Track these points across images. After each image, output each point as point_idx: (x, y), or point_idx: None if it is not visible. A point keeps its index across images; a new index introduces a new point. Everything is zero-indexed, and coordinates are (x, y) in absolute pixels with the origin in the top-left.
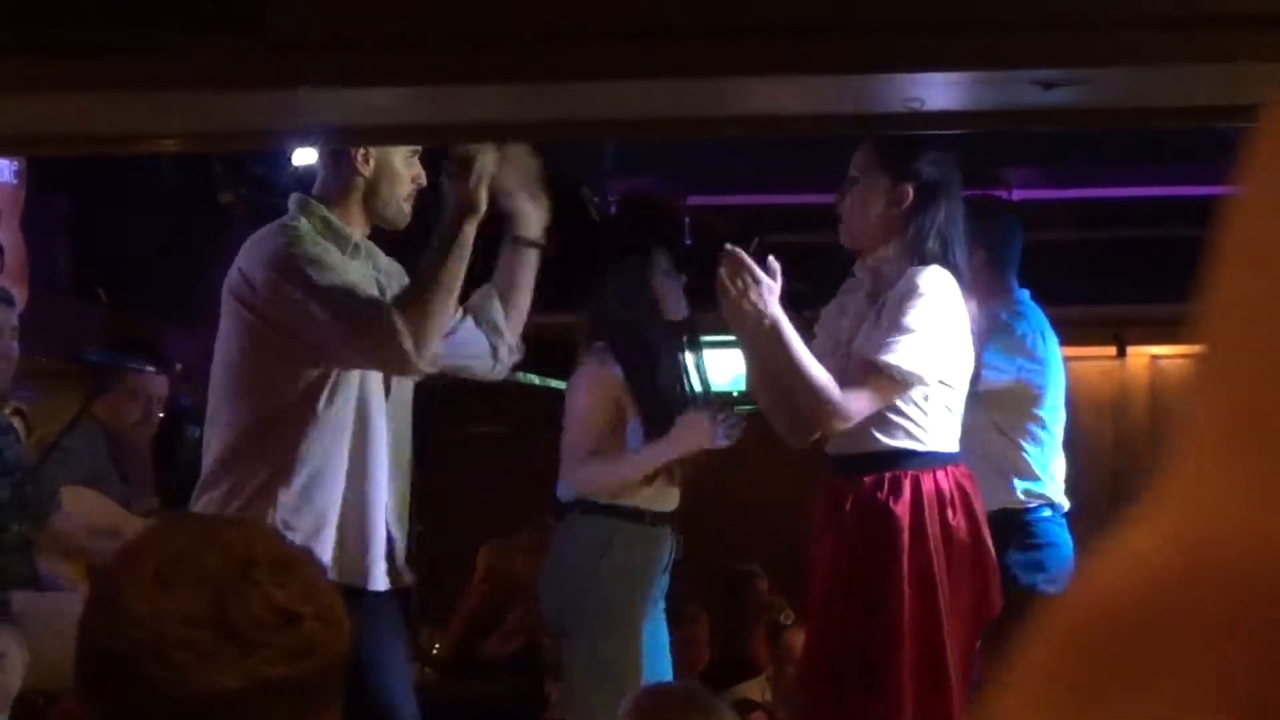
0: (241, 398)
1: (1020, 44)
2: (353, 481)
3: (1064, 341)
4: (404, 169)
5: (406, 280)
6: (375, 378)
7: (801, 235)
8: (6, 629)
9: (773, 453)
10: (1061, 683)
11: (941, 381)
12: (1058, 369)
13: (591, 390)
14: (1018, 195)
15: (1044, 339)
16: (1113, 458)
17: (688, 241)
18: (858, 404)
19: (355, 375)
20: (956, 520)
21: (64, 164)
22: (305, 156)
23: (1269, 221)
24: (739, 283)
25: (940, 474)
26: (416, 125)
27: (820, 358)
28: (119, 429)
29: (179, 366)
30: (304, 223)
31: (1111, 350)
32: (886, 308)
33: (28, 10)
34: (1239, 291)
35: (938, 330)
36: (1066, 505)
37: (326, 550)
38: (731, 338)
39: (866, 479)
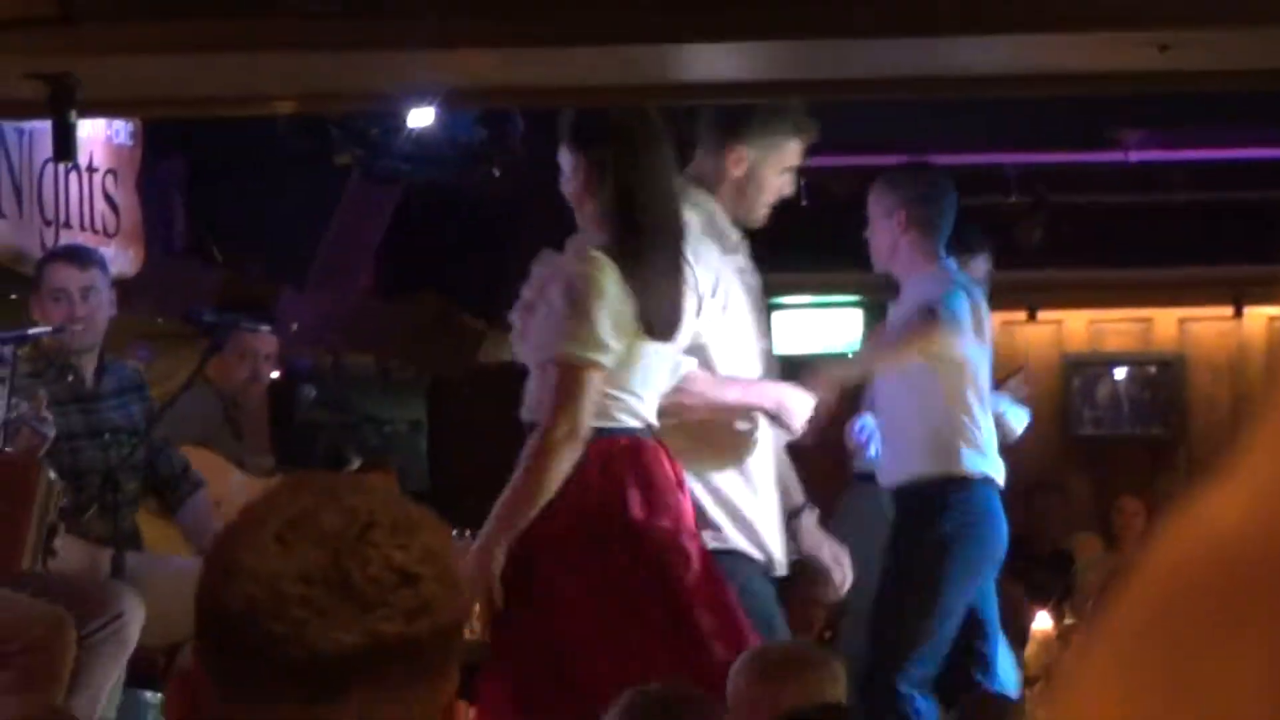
0: None
1: (1137, 5)
2: None
3: (1180, 302)
4: (774, 178)
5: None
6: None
7: None
8: (123, 588)
9: None
10: (1151, 641)
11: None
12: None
13: None
14: (1134, 158)
15: (985, 311)
16: (1230, 419)
17: (804, 203)
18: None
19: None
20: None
21: (180, 126)
22: (420, 119)
23: None
24: None
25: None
26: (525, 87)
27: None
28: (233, 388)
29: (294, 326)
30: (691, 217)
31: (1228, 311)
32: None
33: None
34: None
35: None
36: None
37: None
38: (850, 298)
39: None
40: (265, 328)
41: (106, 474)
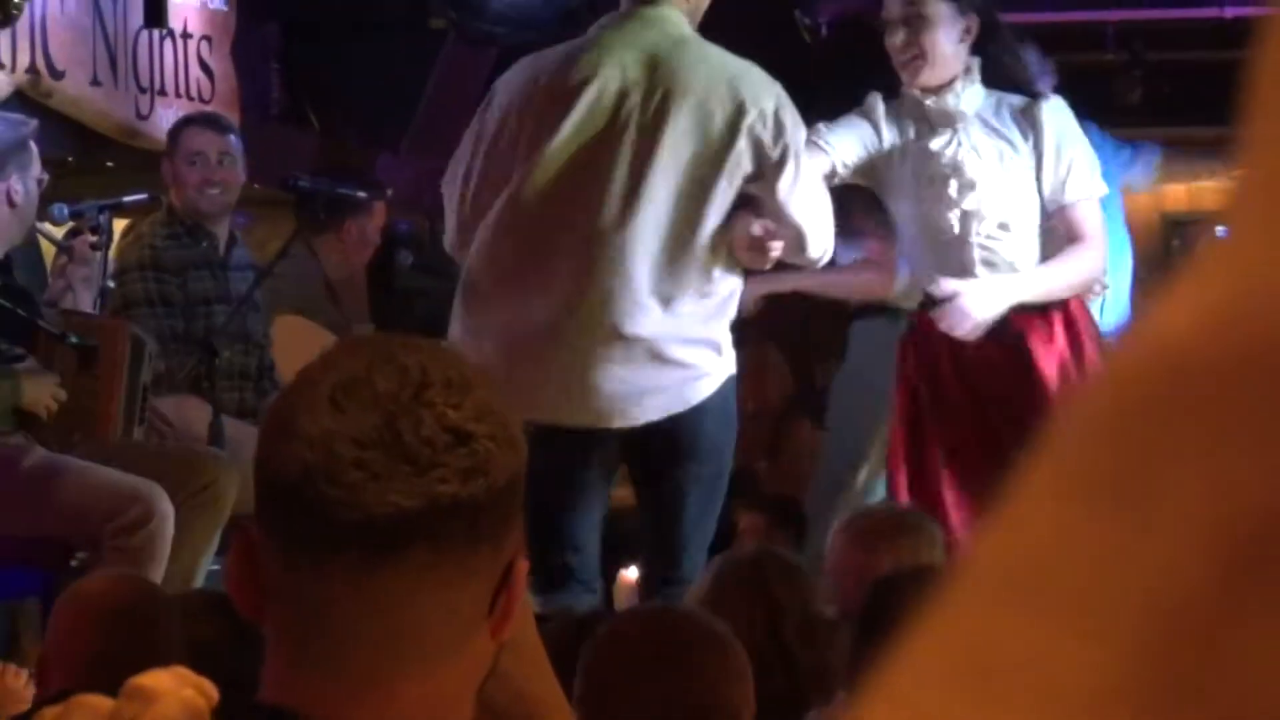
0: None
1: None
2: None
3: None
4: None
5: None
6: None
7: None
8: (217, 457)
9: None
10: (1097, 451)
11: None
12: None
13: None
14: (1231, 13)
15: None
16: None
17: None
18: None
19: None
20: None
21: None
22: None
23: None
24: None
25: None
26: None
27: (898, 196)
28: (331, 255)
29: (390, 192)
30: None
31: None
32: (1055, 147)
33: None
34: None
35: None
36: None
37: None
38: None
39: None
40: (364, 195)
41: (212, 342)
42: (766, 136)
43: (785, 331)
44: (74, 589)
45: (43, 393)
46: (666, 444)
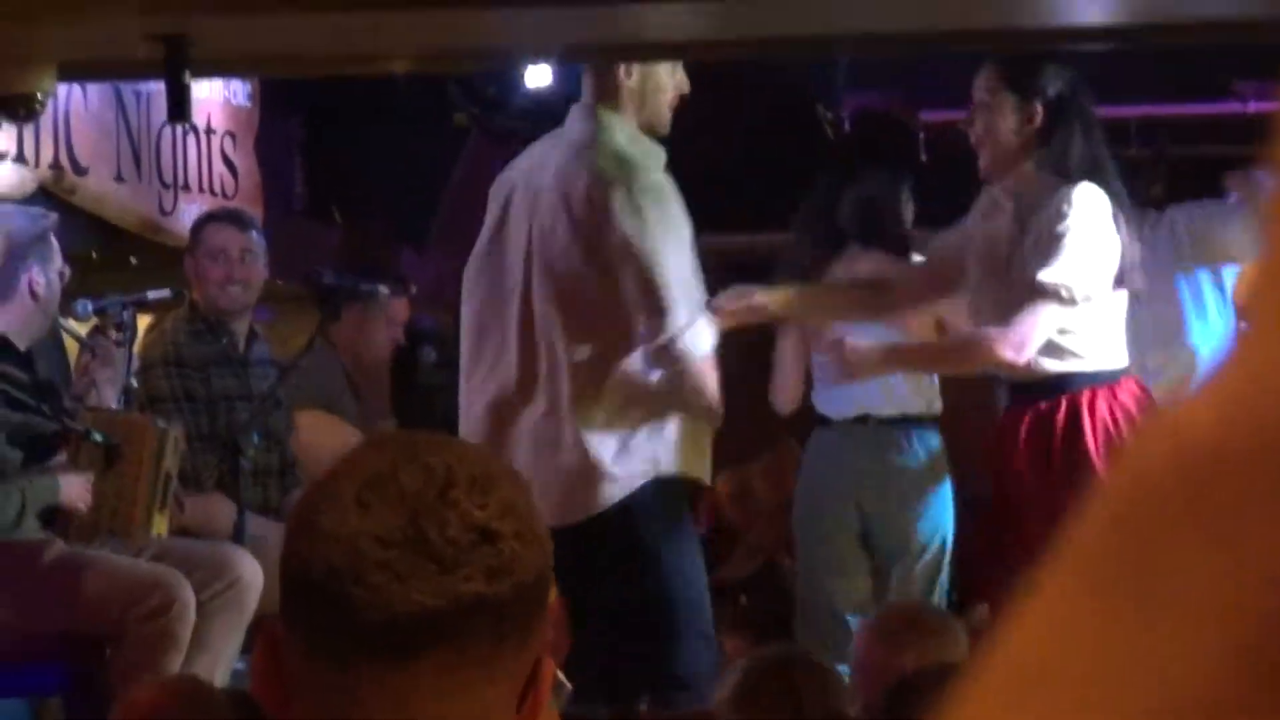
0: None
1: None
2: None
3: None
4: (668, 78)
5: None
6: None
7: None
8: (240, 554)
9: None
10: (1117, 544)
11: (1099, 297)
12: None
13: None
14: (1254, 108)
15: None
16: None
17: (923, 158)
18: (1029, 330)
19: None
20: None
21: (297, 86)
22: (538, 78)
23: None
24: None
25: (1107, 391)
26: (644, 41)
27: (976, 286)
28: (354, 351)
29: (414, 288)
30: (616, 135)
31: None
32: (1041, 228)
33: None
34: None
35: (1094, 245)
36: None
37: None
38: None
39: (1041, 404)
40: (384, 289)
41: (237, 440)
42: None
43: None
44: (129, 700)
45: (77, 491)
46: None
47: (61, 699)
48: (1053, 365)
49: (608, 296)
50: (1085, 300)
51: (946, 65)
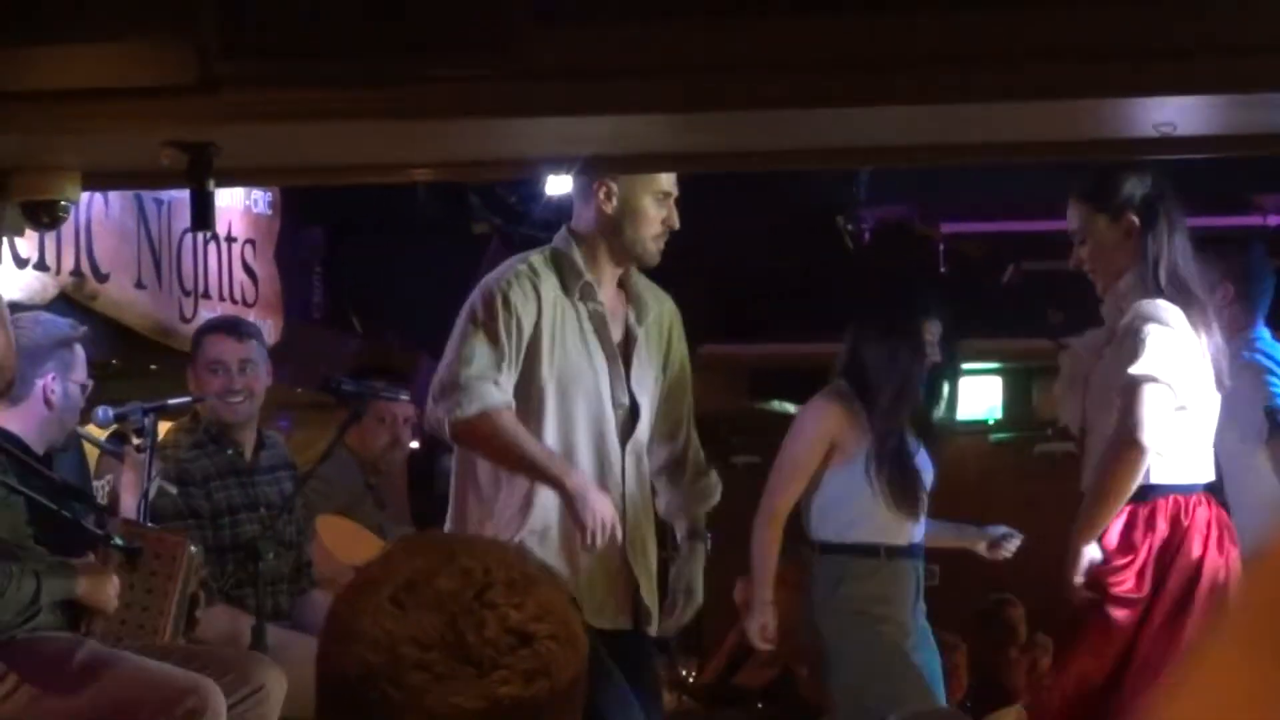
0: None
1: (1272, 66)
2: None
3: None
4: (654, 210)
5: (660, 307)
6: (608, 415)
7: (1057, 262)
8: (264, 662)
9: (1030, 485)
10: (1268, 621)
11: (1180, 408)
12: None
13: (813, 423)
14: (1274, 221)
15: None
16: None
17: (942, 269)
18: (1140, 428)
19: (584, 414)
20: (1196, 549)
21: (318, 195)
22: (559, 186)
23: None
24: None
25: (1183, 503)
26: (666, 153)
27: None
28: (372, 457)
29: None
30: (539, 259)
31: None
32: (1121, 339)
33: (280, 42)
34: None
35: (1171, 349)
36: None
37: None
38: (988, 365)
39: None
40: (404, 395)
41: (256, 547)
42: None
43: None
44: None
45: (101, 589)
46: None
47: None
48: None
49: None
50: (1175, 387)
51: (964, 177)
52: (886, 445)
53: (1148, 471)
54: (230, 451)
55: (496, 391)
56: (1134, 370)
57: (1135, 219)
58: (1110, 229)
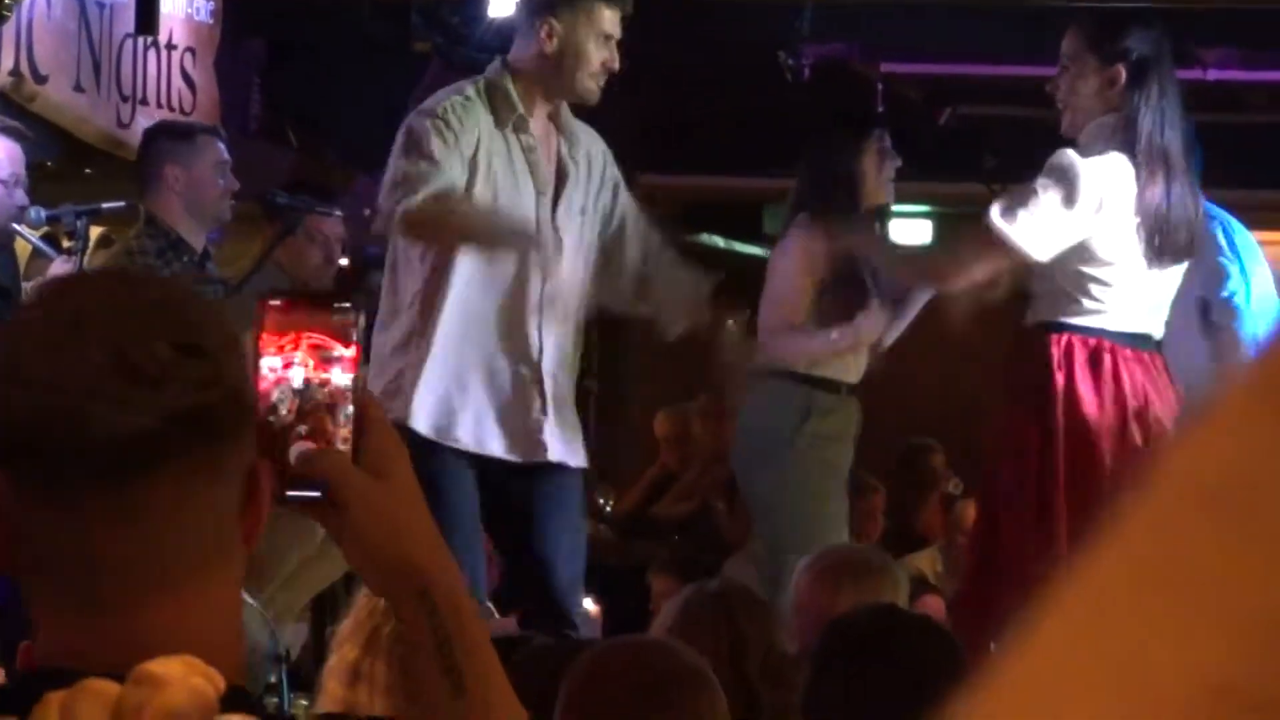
0: None
1: None
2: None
3: (1261, 225)
4: (595, 51)
5: (591, 145)
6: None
7: (995, 108)
8: None
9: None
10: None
11: (1090, 259)
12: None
13: (799, 261)
14: (1213, 75)
15: (1230, 230)
16: None
17: (880, 109)
18: (974, 265)
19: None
20: (1104, 390)
21: (260, 6)
22: (501, 9)
23: None
24: None
25: (1083, 342)
26: None
27: None
28: (303, 274)
29: (367, 212)
30: (472, 90)
31: None
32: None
33: None
34: None
35: (1060, 210)
36: None
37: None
38: (919, 207)
39: (1034, 346)
40: (337, 212)
41: None
42: None
43: None
44: None
45: None
46: None
47: None
48: (1043, 313)
49: None
50: (1026, 259)
51: (905, 17)
52: (849, 292)
53: (1070, 309)
54: (187, 259)
55: (446, 176)
56: (996, 219)
57: (1123, 72)
58: (1095, 72)
